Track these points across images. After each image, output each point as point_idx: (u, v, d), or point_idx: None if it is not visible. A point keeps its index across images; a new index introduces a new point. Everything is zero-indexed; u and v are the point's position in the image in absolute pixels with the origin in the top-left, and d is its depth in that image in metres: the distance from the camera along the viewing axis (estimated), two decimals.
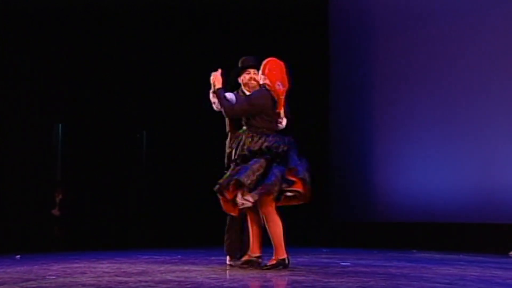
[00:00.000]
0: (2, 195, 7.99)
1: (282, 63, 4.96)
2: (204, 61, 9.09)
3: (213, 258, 5.88)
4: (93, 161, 8.98)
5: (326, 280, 4.10)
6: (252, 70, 5.14)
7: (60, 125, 9.05)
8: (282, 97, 4.89)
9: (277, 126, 4.94)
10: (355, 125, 9.28)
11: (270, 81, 4.86)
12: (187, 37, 9.59)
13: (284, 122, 5.01)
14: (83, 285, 3.89)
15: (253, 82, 5.09)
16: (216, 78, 4.90)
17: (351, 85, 9.39)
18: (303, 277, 4.30)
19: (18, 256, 6.44)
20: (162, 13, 9.36)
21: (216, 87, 4.89)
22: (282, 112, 4.92)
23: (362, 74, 9.28)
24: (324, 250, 7.61)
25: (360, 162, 9.15)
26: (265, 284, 3.93)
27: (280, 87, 4.86)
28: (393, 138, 8.85)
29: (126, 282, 3.99)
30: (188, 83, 9.11)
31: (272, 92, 4.87)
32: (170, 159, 9.53)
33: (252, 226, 4.89)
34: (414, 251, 7.45)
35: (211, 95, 5.02)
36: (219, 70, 4.94)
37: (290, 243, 5.55)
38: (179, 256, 6.38)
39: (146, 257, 6.33)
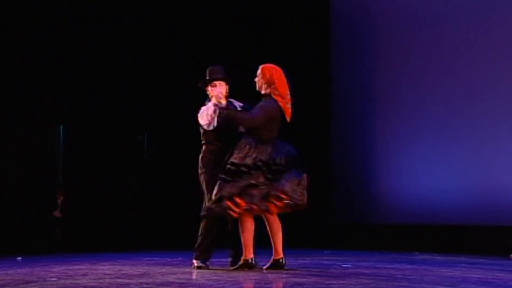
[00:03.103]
0: (3, 197, 7.99)
1: (281, 70, 5.00)
2: (205, 63, 9.10)
3: (214, 260, 5.87)
4: (94, 163, 8.97)
5: (327, 282, 4.09)
6: (218, 83, 5.16)
7: (61, 126, 9.06)
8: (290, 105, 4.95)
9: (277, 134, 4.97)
10: (357, 126, 9.26)
11: (281, 91, 4.92)
12: (189, 39, 9.58)
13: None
14: (84, 287, 3.89)
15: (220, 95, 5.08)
16: (219, 96, 5.01)
17: (353, 87, 9.37)
18: (304, 279, 4.30)
19: (19, 258, 6.45)
20: (163, 15, 9.36)
21: (224, 103, 4.99)
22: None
23: (363, 76, 9.27)
24: (325, 252, 7.60)
25: (361, 164, 9.14)
26: (266, 286, 3.93)
27: (288, 96, 4.95)
28: (395, 140, 8.83)
29: (128, 284, 3.99)
30: (189, 86, 9.08)
31: (279, 102, 4.91)
32: (171, 161, 9.52)
33: (249, 230, 4.90)
34: (416, 253, 7.43)
35: (210, 111, 5.03)
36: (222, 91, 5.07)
37: (291, 245, 5.55)
38: (180, 258, 6.37)
39: (147, 259, 6.33)
